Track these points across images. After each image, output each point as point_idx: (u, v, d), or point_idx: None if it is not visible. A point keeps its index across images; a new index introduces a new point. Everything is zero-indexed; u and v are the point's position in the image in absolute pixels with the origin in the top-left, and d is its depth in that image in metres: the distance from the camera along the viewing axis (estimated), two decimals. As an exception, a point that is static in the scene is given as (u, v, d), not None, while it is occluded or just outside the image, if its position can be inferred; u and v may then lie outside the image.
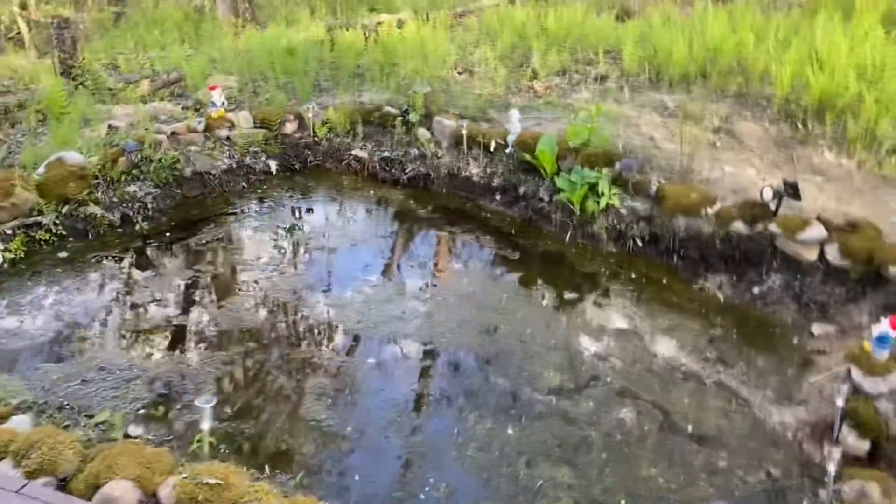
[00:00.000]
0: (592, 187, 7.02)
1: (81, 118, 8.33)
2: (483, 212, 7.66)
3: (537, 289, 6.26)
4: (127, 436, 3.71)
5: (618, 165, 7.13)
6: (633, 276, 6.46)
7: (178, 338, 5.37)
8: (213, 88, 8.23)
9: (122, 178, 7.05)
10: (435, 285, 6.24)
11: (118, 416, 3.98)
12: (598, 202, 6.91)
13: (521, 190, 7.53)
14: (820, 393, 4.97)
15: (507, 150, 7.80)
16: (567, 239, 7.05)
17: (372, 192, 8.11)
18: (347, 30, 12.66)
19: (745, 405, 4.85)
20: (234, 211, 7.48)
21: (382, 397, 4.83)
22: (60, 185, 6.58)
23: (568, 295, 6.18)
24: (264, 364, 5.10)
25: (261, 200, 7.76)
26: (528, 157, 7.47)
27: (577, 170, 7.12)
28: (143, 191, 7.07)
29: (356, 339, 5.42)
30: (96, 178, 6.86)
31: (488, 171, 7.84)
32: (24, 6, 16.52)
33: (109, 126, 7.83)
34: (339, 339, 5.41)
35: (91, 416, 4.03)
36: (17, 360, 4.95)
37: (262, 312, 5.70)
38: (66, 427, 3.71)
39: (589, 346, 5.43)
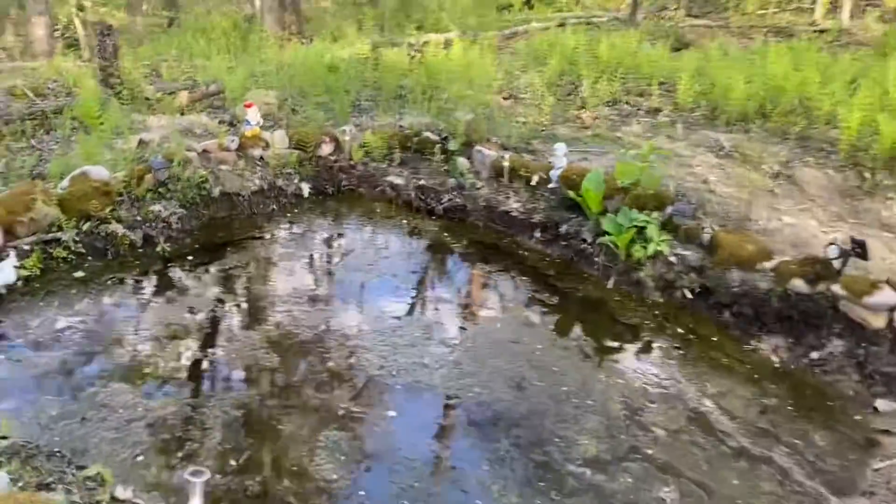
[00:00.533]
0: (640, 231, 6.57)
1: (114, 129, 8.14)
2: (520, 249, 7.25)
3: (575, 339, 5.83)
4: (114, 499, 3.38)
5: (669, 209, 6.68)
6: (680, 330, 5.99)
7: (189, 374, 5.04)
8: (248, 106, 7.97)
9: (148, 195, 6.80)
10: (465, 328, 5.85)
11: (109, 471, 3.65)
12: (645, 248, 6.46)
13: (563, 229, 7.11)
14: (887, 484, 4.46)
15: (550, 186, 7.40)
16: (610, 285, 6.60)
17: (405, 221, 7.76)
18: (393, 47, 12.43)
19: (800, 491, 4.35)
20: (262, 235, 7.18)
21: (399, 457, 4.42)
22: (83, 201, 6.34)
23: (608, 348, 5.74)
24: (278, 409, 4.74)
25: (290, 225, 7.46)
26: (572, 194, 7.05)
27: (625, 211, 6.69)
28: (168, 210, 6.80)
29: (377, 387, 5.03)
30: (121, 194, 6.61)
31: (528, 206, 7.45)
32: (81, 7, 16.65)
33: (140, 140, 7.61)
34: (360, 386, 5.03)
35: (82, 468, 3.70)
36: (16, 391, 4.66)
37: (281, 351, 5.35)
38: (48, 484, 3.40)
39: (629, 410, 4.97)
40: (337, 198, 8.22)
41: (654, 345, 5.80)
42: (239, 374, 5.04)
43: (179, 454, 4.28)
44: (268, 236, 7.18)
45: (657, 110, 9.58)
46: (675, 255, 6.45)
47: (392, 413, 4.79)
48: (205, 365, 5.14)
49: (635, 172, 6.93)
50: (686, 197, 6.98)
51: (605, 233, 6.69)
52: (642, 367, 5.50)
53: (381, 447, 4.50)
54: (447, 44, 12.64)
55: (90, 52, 14.07)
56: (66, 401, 4.61)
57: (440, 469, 4.37)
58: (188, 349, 5.30)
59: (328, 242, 7.24)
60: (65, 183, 6.45)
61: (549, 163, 7.60)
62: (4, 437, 3.94)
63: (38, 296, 5.72)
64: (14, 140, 8.56)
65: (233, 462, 4.27)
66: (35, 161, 7.83)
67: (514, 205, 7.50)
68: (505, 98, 10.44)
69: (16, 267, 5.71)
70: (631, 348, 5.76)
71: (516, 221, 7.45)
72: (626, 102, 10.11)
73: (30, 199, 6.04)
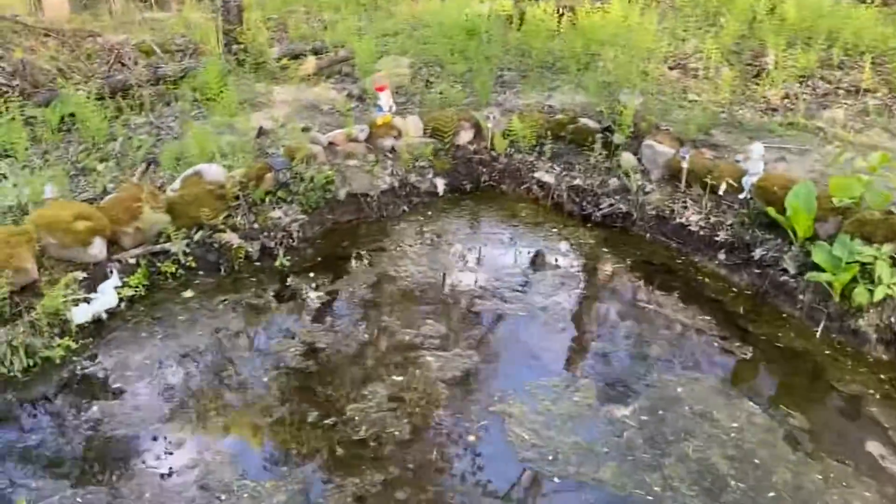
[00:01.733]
0: (863, 268, 5.15)
1: (234, 106, 7.37)
2: (699, 274, 5.95)
3: (779, 414, 4.53)
4: None
5: (904, 240, 5.19)
6: (917, 404, 4.62)
7: (304, 443, 4.18)
8: (380, 89, 6.93)
9: (267, 199, 5.95)
10: (637, 392, 4.68)
11: None
12: (871, 291, 5.04)
13: (757, 253, 5.75)
14: None
15: (741, 196, 6.01)
16: (818, 333, 5.25)
17: (555, 229, 6.57)
18: (538, 2, 11.02)
19: None
20: (390, 247, 6.20)
21: None
22: (195, 206, 5.58)
23: (823, 429, 4.44)
24: (406, 504, 3.83)
25: (422, 233, 6.44)
26: (772, 211, 5.66)
27: (843, 240, 5.26)
28: (288, 216, 5.92)
29: (528, 478, 4.02)
30: (237, 198, 5.79)
31: (712, 220, 6.09)
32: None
33: (260, 129, 6.77)
34: (506, 475, 4.03)
35: None
36: (103, 464, 3.94)
37: (412, 416, 4.39)
38: None
39: (865, 535, 3.73)
40: (475, 196, 7.12)
41: (886, 426, 4.46)
42: (362, 450, 4.13)
43: (289, 570, 3.46)
44: (397, 248, 6.18)
45: (865, 91, 7.83)
46: (912, 301, 5.01)
47: (550, 522, 3.77)
48: (324, 431, 4.26)
49: (856, 188, 5.44)
50: (923, 220, 5.45)
51: (816, 266, 5.30)
52: (873, 461, 4.19)
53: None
54: (598, -4, 11.10)
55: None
56: (164, 480, 3.87)
57: None
58: (305, 407, 4.43)
59: (464, 257, 6.16)
60: (176, 185, 5.71)
61: (738, 164, 6.20)
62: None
63: (141, 323, 5.02)
64: (134, 113, 7.99)
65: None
66: (153, 140, 7.22)
67: (692, 217, 6.16)
68: (670, 68, 8.94)
69: (117, 287, 5.02)
70: (854, 431, 4.45)
71: (695, 238, 6.13)
72: (821, 78, 8.38)
73: (136, 205, 5.32)
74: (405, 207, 6.70)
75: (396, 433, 4.25)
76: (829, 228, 5.47)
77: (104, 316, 4.94)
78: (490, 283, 5.76)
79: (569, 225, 6.64)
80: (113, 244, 5.29)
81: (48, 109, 7.52)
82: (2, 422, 4.18)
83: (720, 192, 6.10)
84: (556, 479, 3.99)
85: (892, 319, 5.05)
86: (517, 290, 5.67)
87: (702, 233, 6.09)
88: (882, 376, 4.89)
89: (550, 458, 4.12)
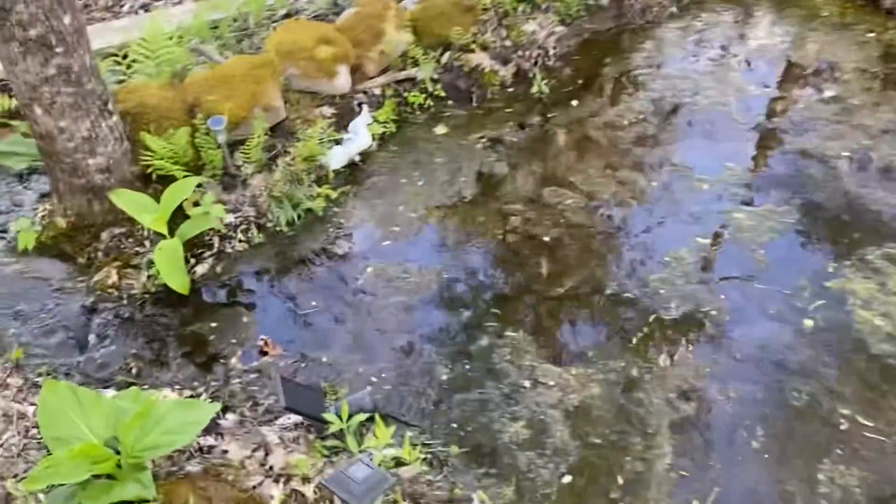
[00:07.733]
0: None
1: None
2: None
3: None
4: None
5: None
6: None
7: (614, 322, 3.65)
8: None
9: (520, 8, 4.96)
10: None
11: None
12: None
13: None
14: None
15: None
16: None
17: (872, 34, 5.21)
18: None
19: None
20: (661, 62, 5.14)
21: None
22: (439, 22, 4.73)
23: None
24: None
25: (699, 41, 5.29)
26: None
27: None
28: (545, 29, 4.95)
29: None
30: (486, 9, 4.86)
31: None
32: None
33: None
34: None
35: None
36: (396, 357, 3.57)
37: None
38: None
39: None
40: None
41: None
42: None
43: (620, 480, 3.06)
44: (669, 64, 5.11)
45: None
46: None
47: None
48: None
49: None
50: None
51: None
52: None
53: None
54: None
55: None
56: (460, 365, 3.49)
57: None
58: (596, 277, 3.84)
59: (760, 81, 4.96)
60: (417, -5, 4.84)
61: None
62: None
63: (398, 167, 4.42)
64: None
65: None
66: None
67: None
68: None
69: (369, 125, 4.42)
70: None
71: None
72: None
73: (379, 24, 4.56)
74: (674, 9, 5.51)
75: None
76: None
77: (357, 159, 4.42)
78: (799, 112, 4.68)
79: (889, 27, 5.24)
80: (354, 72, 4.63)
81: None
82: (273, 286, 3.86)
83: None
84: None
85: None
86: (837, 122, 4.57)
87: None
88: None
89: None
